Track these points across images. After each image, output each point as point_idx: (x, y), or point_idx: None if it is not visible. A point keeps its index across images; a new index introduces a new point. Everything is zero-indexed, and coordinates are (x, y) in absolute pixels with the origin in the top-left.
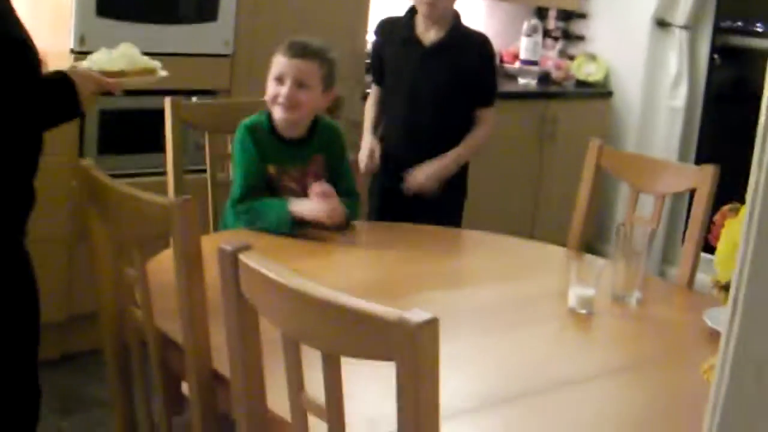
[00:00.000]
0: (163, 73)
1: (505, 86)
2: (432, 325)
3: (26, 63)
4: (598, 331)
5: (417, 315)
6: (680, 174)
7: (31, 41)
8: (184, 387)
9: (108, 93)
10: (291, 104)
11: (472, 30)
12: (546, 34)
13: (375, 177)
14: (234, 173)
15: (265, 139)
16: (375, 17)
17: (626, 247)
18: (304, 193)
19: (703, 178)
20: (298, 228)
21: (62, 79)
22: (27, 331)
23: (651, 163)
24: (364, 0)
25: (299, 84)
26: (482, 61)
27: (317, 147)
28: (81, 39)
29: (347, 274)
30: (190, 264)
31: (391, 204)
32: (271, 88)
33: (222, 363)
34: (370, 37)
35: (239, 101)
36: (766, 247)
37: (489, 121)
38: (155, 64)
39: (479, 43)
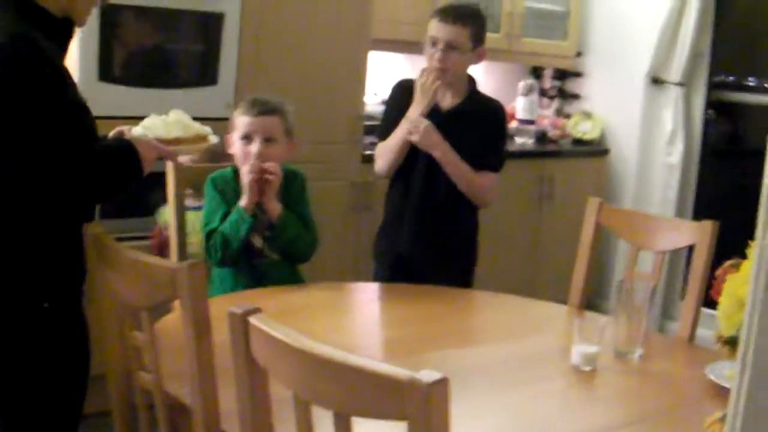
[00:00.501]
0: (215, 139)
1: None
2: (443, 384)
3: (88, 126)
4: (602, 388)
5: (428, 375)
6: (679, 230)
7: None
8: None
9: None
10: (262, 161)
11: (488, 97)
12: (542, 93)
13: (385, 238)
14: (201, 222)
15: (229, 187)
16: (373, 80)
17: (627, 303)
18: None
19: (702, 233)
20: (256, 220)
21: (127, 146)
22: (75, 393)
23: (650, 219)
24: (362, 62)
25: (267, 140)
26: (495, 128)
27: (279, 195)
28: None
29: (355, 335)
30: (199, 327)
31: (401, 269)
32: (238, 147)
33: (231, 425)
34: (369, 99)
35: (217, 165)
36: None
37: (490, 181)
38: (207, 130)
39: (495, 110)
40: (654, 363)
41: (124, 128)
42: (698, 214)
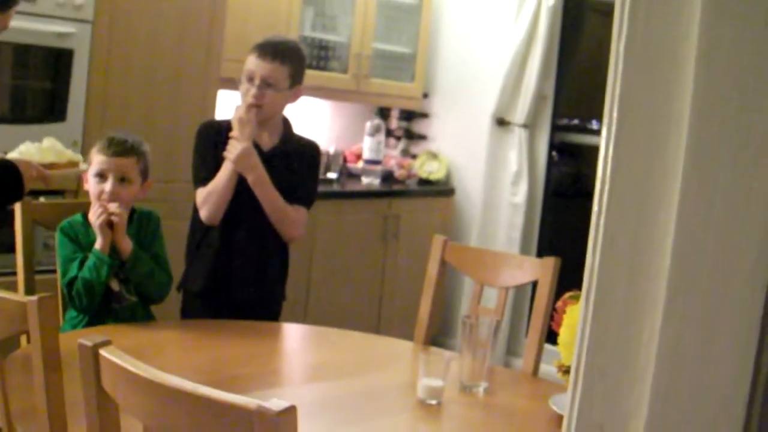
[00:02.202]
0: (85, 165)
1: (348, 185)
2: (291, 413)
3: None
4: (448, 421)
5: (276, 404)
6: (522, 267)
7: None
8: None
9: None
10: (114, 200)
11: (304, 137)
12: (389, 133)
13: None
14: (59, 272)
15: (81, 233)
16: (221, 114)
17: (472, 338)
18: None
19: (545, 270)
20: (114, 259)
21: (8, 166)
22: None
23: (494, 256)
24: (211, 101)
25: (122, 179)
26: (310, 166)
27: (131, 235)
28: None
29: (200, 372)
30: (50, 361)
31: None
32: (92, 184)
33: None
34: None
35: (87, 201)
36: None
37: (301, 216)
38: (78, 157)
39: (311, 148)
40: (499, 396)
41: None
42: (542, 252)
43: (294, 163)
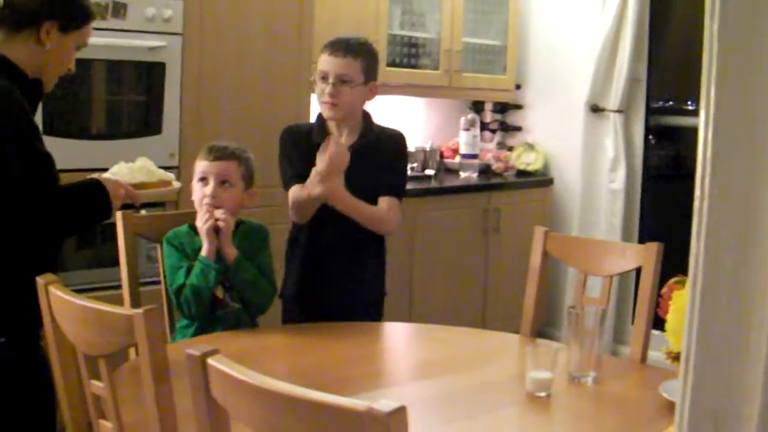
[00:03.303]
0: (177, 184)
1: (446, 181)
2: (401, 413)
3: (53, 176)
4: (558, 413)
5: (386, 405)
6: (625, 254)
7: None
8: None
9: (129, 206)
10: (216, 202)
11: (386, 127)
12: (484, 127)
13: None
14: (166, 281)
15: (186, 243)
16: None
17: (579, 328)
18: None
19: (648, 255)
20: (220, 265)
21: (95, 183)
22: (47, 426)
23: (596, 245)
24: (304, 106)
25: (222, 182)
26: (395, 156)
27: (237, 247)
28: None
29: (307, 376)
30: (158, 373)
31: (315, 310)
32: (196, 190)
33: None
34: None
35: (188, 212)
36: (710, 307)
37: (391, 208)
38: (170, 176)
39: (395, 138)
40: (608, 385)
41: (95, 175)
42: (643, 238)
43: (377, 155)
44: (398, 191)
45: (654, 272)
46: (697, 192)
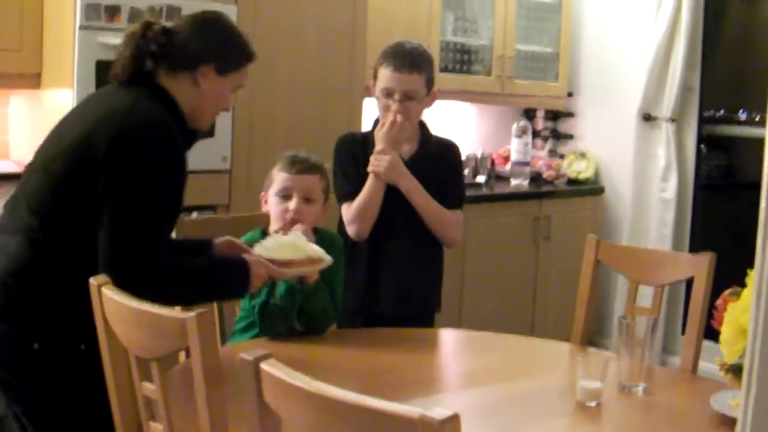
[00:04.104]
0: (328, 261)
1: (497, 188)
2: (454, 421)
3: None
4: (608, 423)
5: (439, 413)
6: (677, 263)
7: None
8: None
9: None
10: (298, 219)
11: (441, 138)
12: (535, 134)
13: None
14: None
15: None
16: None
17: (629, 338)
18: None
19: (700, 266)
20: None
21: (238, 262)
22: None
23: (648, 254)
24: (357, 110)
25: (306, 199)
26: (453, 168)
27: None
28: None
29: (354, 382)
30: (210, 376)
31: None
32: (274, 203)
33: None
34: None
35: (239, 215)
36: None
37: (458, 218)
38: (320, 254)
39: (451, 150)
40: (658, 396)
41: (234, 239)
42: (694, 248)
43: (437, 166)
44: (462, 203)
45: (706, 282)
46: (763, 203)
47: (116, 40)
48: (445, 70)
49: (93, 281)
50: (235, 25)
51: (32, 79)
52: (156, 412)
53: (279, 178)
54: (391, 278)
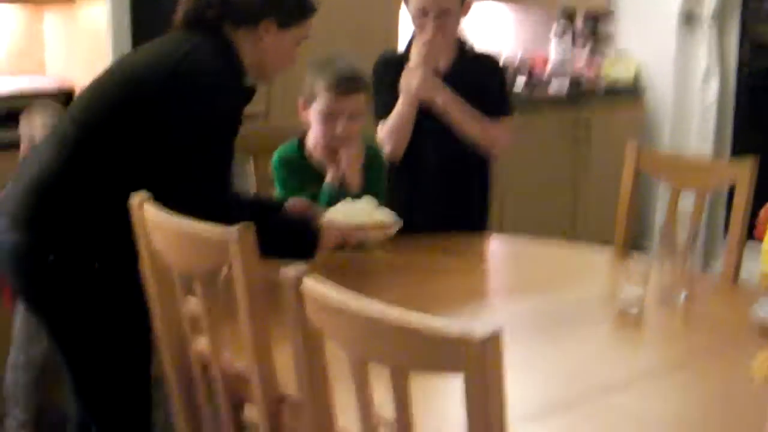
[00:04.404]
0: (399, 225)
1: (536, 92)
2: (496, 337)
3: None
4: (648, 331)
5: (481, 329)
6: (719, 170)
7: None
8: (248, 411)
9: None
10: (345, 140)
11: (478, 49)
12: (575, 36)
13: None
14: None
15: (299, 167)
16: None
17: (670, 246)
18: None
19: (743, 172)
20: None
21: (309, 224)
22: (142, 350)
23: (689, 161)
24: (393, 18)
25: (352, 118)
26: (493, 78)
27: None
28: None
29: (398, 291)
30: (252, 292)
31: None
32: (317, 121)
33: (288, 386)
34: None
35: (278, 125)
36: None
37: (504, 127)
38: (389, 219)
39: (490, 60)
40: (699, 304)
41: (307, 201)
42: (736, 152)
43: (477, 77)
44: (509, 110)
45: (748, 188)
46: None
47: None
48: None
49: (134, 198)
50: None
51: None
52: (201, 326)
53: (324, 98)
54: (434, 192)
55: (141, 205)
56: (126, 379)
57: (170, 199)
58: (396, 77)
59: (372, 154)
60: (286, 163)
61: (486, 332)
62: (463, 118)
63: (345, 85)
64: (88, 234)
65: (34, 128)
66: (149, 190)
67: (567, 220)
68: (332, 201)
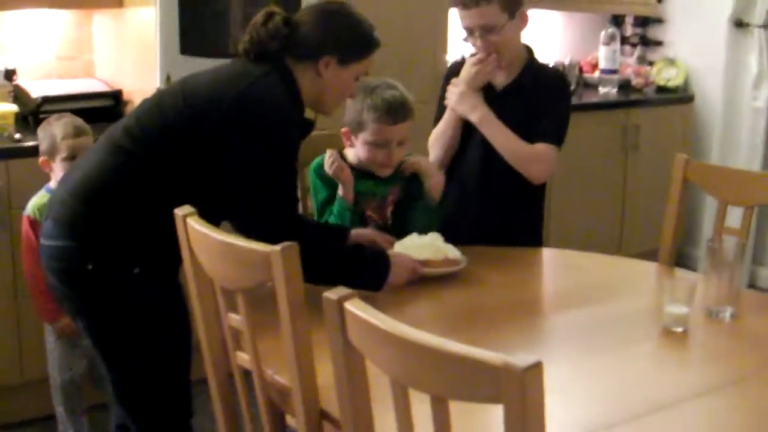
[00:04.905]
0: (465, 263)
1: (585, 97)
2: (537, 368)
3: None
4: (695, 350)
5: (522, 360)
6: (767, 184)
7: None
8: (290, 420)
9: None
10: (393, 164)
11: (546, 67)
12: (624, 41)
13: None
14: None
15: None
16: (455, 38)
17: (717, 261)
18: (383, 222)
19: None
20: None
21: (382, 256)
22: (182, 355)
23: (737, 174)
24: (443, 19)
25: (400, 144)
26: (551, 98)
27: (398, 179)
28: (167, 77)
29: (439, 307)
30: (294, 309)
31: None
32: (367, 151)
33: (329, 403)
34: (451, 57)
35: (316, 133)
36: None
37: (543, 152)
38: (457, 254)
39: (553, 80)
40: (746, 322)
41: (377, 236)
42: None
43: (532, 97)
44: (556, 138)
45: None
46: None
47: None
48: None
49: (178, 211)
50: (358, 13)
51: None
52: (242, 341)
53: (373, 128)
54: (472, 216)
55: (185, 219)
56: (166, 384)
57: (235, 226)
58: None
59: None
60: (321, 171)
61: (526, 363)
62: (497, 140)
63: (394, 116)
64: (130, 242)
65: (52, 138)
66: (196, 207)
67: (615, 225)
68: (343, 213)
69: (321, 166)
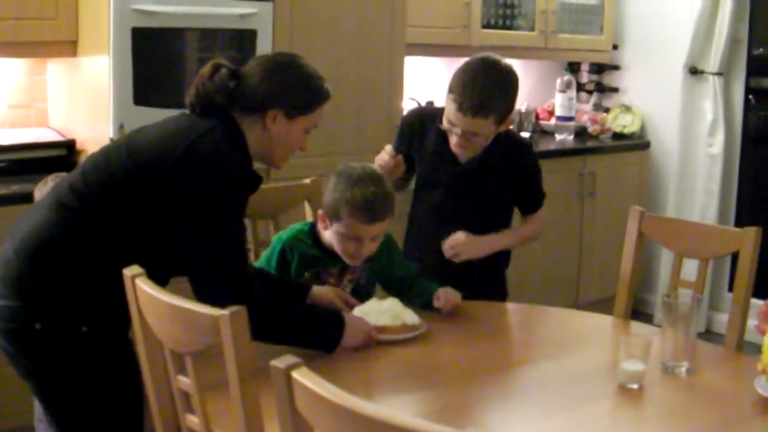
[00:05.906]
0: (423, 328)
1: (542, 144)
2: None
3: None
4: (651, 407)
5: None
6: (723, 237)
7: None
8: None
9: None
10: (363, 258)
11: (514, 138)
12: (580, 88)
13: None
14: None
15: (307, 251)
16: (410, 85)
17: (674, 316)
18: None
19: (746, 241)
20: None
21: (337, 316)
22: (132, 413)
23: (692, 227)
24: (398, 68)
25: (374, 239)
26: (527, 168)
27: (371, 268)
28: (120, 126)
29: (395, 363)
30: (243, 374)
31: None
32: (340, 241)
33: None
34: (407, 105)
35: (277, 186)
36: None
37: (539, 219)
38: (414, 321)
39: (520, 152)
40: (702, 377)
41: (335, 298)
42: (742, 203)
43: (506, 167)
44: (543, 198)
45: (751, 258)
46: None
47: (151, 6)
48: (487, 26)
49: (126, 272)
50: (307, 65)
51: (69, 47)
52: (192, 404)
53: (348, 223)
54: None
55: (134, 280)
56: None
57: (193, 284)
58: (426, 131)
59: (382, 249)
60: (290, 249)
61: None
62: (514, 244)
63: (372, 216)
64: (78, 300)
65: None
66: (144, 265)
67: (572, 272)
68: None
69: (290, 243)
